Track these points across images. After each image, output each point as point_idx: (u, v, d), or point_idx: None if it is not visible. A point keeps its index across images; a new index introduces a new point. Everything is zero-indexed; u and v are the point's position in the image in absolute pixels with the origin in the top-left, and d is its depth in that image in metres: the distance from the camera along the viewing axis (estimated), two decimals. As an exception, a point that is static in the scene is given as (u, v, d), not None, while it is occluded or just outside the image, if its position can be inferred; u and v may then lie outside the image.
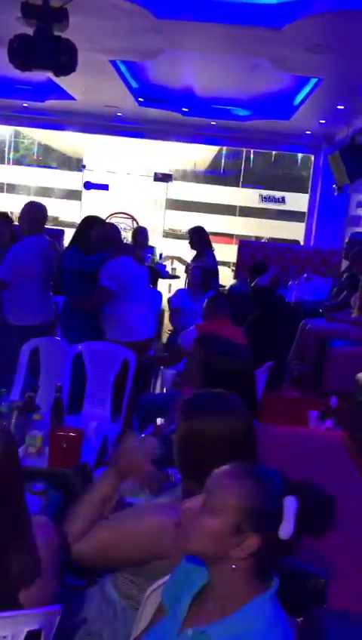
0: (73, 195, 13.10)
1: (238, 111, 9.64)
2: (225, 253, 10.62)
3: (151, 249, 8.97)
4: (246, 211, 13.61)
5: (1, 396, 3.13)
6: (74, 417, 3.43)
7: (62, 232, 9.96)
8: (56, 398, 3.07)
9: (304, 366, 6.50)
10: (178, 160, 13.49)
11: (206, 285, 6.80)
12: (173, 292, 7.66)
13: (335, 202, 10.22)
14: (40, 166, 14.26)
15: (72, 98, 9.36)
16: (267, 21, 5.35)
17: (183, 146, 12.46)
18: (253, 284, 6.26)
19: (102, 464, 2.83)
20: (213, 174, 14.08)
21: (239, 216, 13.65)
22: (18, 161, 14.27)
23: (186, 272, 8.76)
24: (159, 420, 2.74)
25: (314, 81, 7.43)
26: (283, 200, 13.24)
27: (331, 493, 1.38)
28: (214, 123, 10.28)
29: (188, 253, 8.58)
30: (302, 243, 11.61)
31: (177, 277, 9.04)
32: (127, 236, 8.56)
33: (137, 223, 11.07)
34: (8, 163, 13.80)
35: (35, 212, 4.65)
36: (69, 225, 11.37)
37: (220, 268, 8.07)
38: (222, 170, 14.06)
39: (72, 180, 13.24)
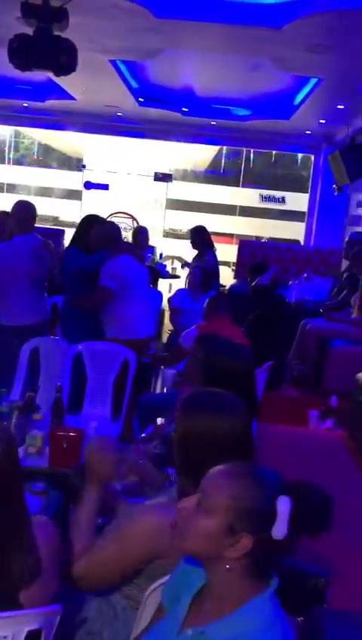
0: (73, 194, 13.11)
1: (238, 111, 9.65)
2: (226, 253, 10.63)
3: (152, 249, 8.97)
4: (246, 211, 13.62)
5: (1, 396, 3.13)
6: (74, 417, 3.43)
7: (62, 232, 9.97)
8: (57, 398, 3.07)
9: (304, 366, 6.51)
10: (178, 160, 13.49)
11: (206, 285, 6.80)
12: (173, 292, 7.66)
13: (335, 202, 10.22)
14: (40, 166, 14.27)
15: (72, 98, 9.36)
16: (267, 21, 5.35)
17: (183, 146, 12.47)
18: (253, 284, 6.26)
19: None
20: (213, 174, 14.09)
21: (239, 216, 13.67)
22: (18, 161, 14.28)
23: (183, 267, 8.78)
24: (159, 420, 2.74)
25: (314, 81, 7.43)
26: (283, 200, 13.25)
27: (331, 493, 1.38)
28: (214, 123, 10.29)
29: (189, 253, 8.59)
30: (302, 243, 11.61)
31: (177, 277, 9.04)
32: (127, 236, 8.55)
33: (137, 222, 11.08)
34: (8, 163, 13.81)
35: (24, 211, 4.56)
36: (69, 225, 11.38)
37: (220, 268, 8.07)
38: (222, 170, 14.06)
39: (72, 179, 13.25)
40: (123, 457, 2.42)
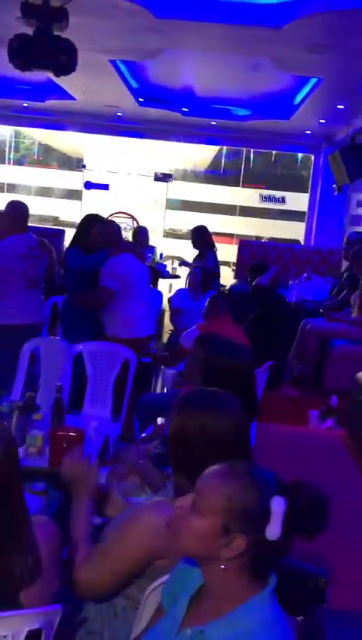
0: (73, 194, 13.12)
1: (238, 111, 9.65)
2: (226, 253, 10.64)
3: (152, 249, 8.97)
4: (246, 211, 13.63)
5: (1, 396, 3.13)
6: (74, 417, 3.43)
7: (62, 232, 9.98)
8: (57, 398, 3.07)
9: (304, 365, 6.51)
10: (178, 160, 13.50)
11: (206, 285, 6.80)
12: (173, 292, 7.66)
13: (335, 202, 10.23)
14: (40, 166, 14.28)
15: (72, 98, 9.36)
16: (267, 21, 5.35)
17: (183, 146, 12.47)
18: (253, 284, 6.27)
19: (102, 464, 2.83)
20: (213, 174, 14.09)
21: (239, 216, 13.67)
22: (18, 161, 14.29)
23: (180, 266, 8.79)
24: (159, 420, 2.74)
25: (314, 80, 7.43)
26: (283, 200, 13.26)
27: (331, 493, 1.38)
28: (214, 123, 10.28)
29: (189, 253, 8.59)
30: (302, 243, 11.61)
31: (178, 277, 9.05)
32: (127, 236, 8.56)
33: (137, 222, 11.08)
34: (9, 163, 13.82)
35: (16, 211, 4.53)
36: (70, 225, 11.39)
37: (220, 267, 8.06)
38: (222, 170, 14.07)
39: (72, 179, 13.26)
40: (123, 457, 2.43)
